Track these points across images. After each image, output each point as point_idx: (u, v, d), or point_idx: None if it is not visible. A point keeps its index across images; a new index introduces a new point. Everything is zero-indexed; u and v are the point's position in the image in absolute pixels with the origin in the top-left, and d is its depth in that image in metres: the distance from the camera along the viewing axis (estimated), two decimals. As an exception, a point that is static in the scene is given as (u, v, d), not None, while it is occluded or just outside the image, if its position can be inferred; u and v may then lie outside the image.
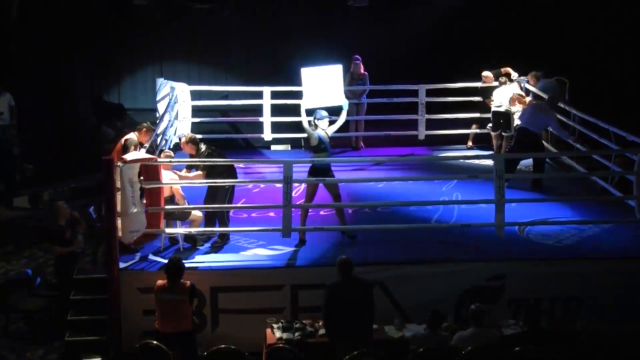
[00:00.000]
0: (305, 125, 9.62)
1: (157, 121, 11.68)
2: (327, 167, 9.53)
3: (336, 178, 9.70)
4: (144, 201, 8.70)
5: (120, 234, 8.40)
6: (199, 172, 9.22)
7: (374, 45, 14.98)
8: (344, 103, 10.07)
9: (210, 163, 9.14)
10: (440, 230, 9.63)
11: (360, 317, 7.46)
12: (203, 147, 9.32)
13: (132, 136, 10.06)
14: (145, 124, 10.26)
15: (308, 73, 9.97)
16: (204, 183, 9.26)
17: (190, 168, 9.43)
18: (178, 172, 9.39)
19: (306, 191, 9.60)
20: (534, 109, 11.80)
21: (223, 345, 7.46)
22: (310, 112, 9.76)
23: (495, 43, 15.44)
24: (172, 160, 9.41)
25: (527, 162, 12.74)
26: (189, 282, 7.81)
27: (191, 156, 9.32)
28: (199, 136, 9.80)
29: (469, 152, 14.06)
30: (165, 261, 8.48)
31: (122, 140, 10.02)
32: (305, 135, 10.09)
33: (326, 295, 7.50)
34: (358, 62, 14.03)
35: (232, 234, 9.47)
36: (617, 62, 15.48)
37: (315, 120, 9.60)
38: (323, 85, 9.94)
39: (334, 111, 10.06)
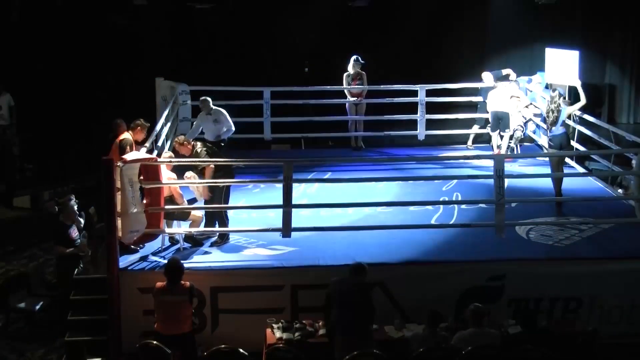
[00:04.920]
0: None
1: (157, 121, 11.68)
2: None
3: (336, 178, 9.71)
4: (144, 201, 8.70)
5: (120, 234, 8.40)
6: (210, 166, 9.20)
7: (374, 45, 14.97)
8: (578, 84, 11.39)
9: (210, 163, 9.14)
10: (440, 230, 9.63)
11: (358, 316, 7.46)
12: (198, 144, 9.35)
13: (127, 136, 9.87)
14: (139, 121, 10.07)
15: (551, 53, 11.81)
16: (203, 183, 9.26)
17: (193, 168, 9.45)
18: (189, 175, 9.38)
19: None
20: None
21: (223, 345, 7.46)
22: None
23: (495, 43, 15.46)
24: (172, 160, 9.41)
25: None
26: (188, 282, 7.81)
27: (188, 157, 9.33)
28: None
29: (469, 152, 14.07)
30: (165, 261, 8.49)
31: (117, 140, 9.92)
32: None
33: (328, 290, 7.58)
34: (357, 62, 14.03)
35: (232, 233, 9.47)
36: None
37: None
38: (562, 65, 11.79)
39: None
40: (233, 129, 12.08)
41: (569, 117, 11.29)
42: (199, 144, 9.37)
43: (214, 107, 12.01)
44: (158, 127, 11.25)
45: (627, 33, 15.07)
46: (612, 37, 15.18)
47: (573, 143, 12.31)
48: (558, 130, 10.73)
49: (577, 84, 11.57)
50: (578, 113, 12.38)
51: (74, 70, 14.28)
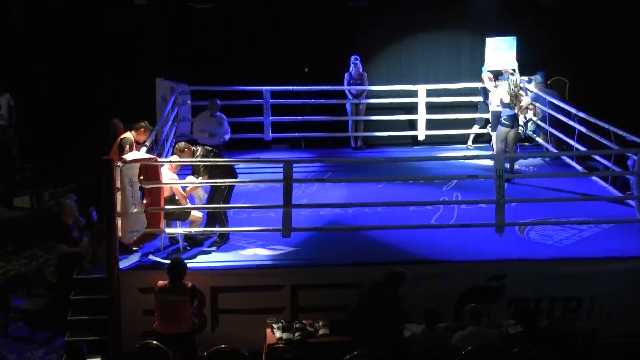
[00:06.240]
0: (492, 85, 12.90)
1: (157, 121, 11.68)
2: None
3: (336, 177, 9.71)
4: (144, 201, 8.70)
5: (120, 234, 8.40)
6: (201, 178, 9.20)
7: (374, 45, 14.98)
8: (515, 66, 12.84)
9: (210, 163, 9.14)
10: (440, 230, 9.63)
11: (379, 317, 7.52)
12: (199, 148, 9.34)
13: (128, 135, 9.91)
14: (143, 123, 10.07)
15: (491, 42, 13.65)
16: (203, 183, 9.26)
17: (193, 172, 9.45)
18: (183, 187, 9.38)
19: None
20: None
21: (223, 345, 7.46)
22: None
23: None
24: (172, 160, 9.40)
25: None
26: (190, 283, 7.82)
27: None
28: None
29: (469, 152, 14.08)
30: (165, 261, 8.51)
31: (118, 140, 9.92)
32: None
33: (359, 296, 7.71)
34: (357, 62, 14.04)
35: (232, 233, 9.47)
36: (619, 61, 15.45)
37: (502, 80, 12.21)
38: (500, 52, 13.44)
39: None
40: (229, 134, 12.48)
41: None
42: (199, 148, 9.35)
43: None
44: (158, 127, 11.24)
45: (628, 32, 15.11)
46: (615, 36, 15.18)
47: (575, 143, 12.31)
48: (511, 110, 11.87)
49: (515, 66, 13.00)
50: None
51: (73, 70, 14.27)
